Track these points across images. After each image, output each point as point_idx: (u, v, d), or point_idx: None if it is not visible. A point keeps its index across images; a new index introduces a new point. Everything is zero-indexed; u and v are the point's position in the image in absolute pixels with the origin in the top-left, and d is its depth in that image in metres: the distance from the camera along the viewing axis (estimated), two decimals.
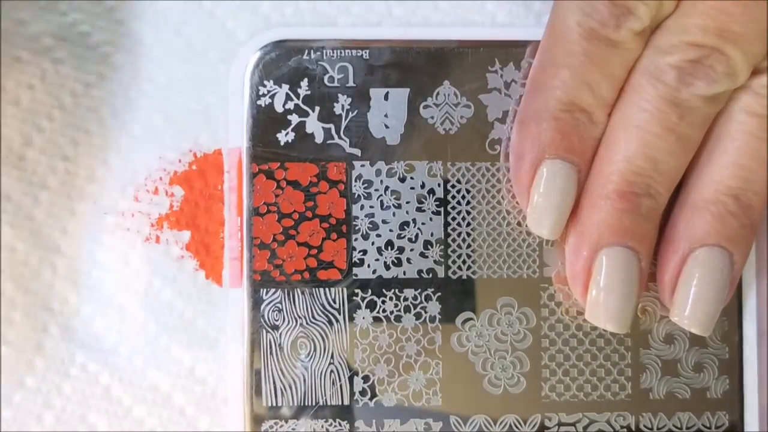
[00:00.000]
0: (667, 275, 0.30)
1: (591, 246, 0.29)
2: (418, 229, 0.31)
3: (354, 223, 0.31)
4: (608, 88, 0.29)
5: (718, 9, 0.28)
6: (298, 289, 0.31)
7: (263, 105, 0.31)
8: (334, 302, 0.31)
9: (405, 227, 0.31)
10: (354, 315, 0.31)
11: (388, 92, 0.31)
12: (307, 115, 0.31)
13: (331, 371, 0.31)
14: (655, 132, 0.29)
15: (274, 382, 0.31)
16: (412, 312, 0.31)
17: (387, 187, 0.32)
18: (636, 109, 0.29)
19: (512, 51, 0.32)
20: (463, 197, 0.32)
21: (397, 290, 0.31)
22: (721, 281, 0.29)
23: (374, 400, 0.31)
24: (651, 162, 0.29)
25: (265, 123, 0.31)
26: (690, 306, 0.29)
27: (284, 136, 0.31)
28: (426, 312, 0.31)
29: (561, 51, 0.29)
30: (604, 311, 0.29)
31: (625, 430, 0.32)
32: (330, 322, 0.31)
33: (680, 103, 0.28)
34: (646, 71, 0.29)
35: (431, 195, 0.32)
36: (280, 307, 0.31)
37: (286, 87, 0.31)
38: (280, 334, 0.31)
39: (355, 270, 0.31)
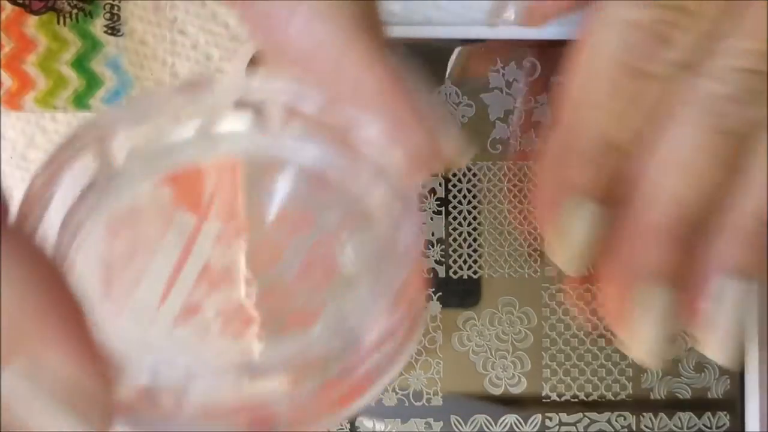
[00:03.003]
0: (694, 301, 0.28)
1: (630, 281, 0.28)
2: None
3: None
4: (645, 122, 0.27)
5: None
6: None
7: None
8: None
9: None
10: None
11: None
12: None
13: None
14: (701, 165, 0.27)
15: None
16: None
17: None
18: (680, 140, 0.27)
19: (514, 50, 0.31)
20: (465, 197, 0.32)
21: None
22: (745, 307, 0.27)
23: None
24: (696, 194, 0.27)
25: None
26: (715, 333, 0.28)
27: None
28: (426, 311, 0.31)
29: (593, 85, 0.28)
30: (643, 346, 0.28)
31: (625, 430, 0.32)
32: None
33: (727, 132, 0.27)
34: (689, 100, 0.27)
35: (432, 194, 0.31)
36: None
37: None
38: None
39: None
